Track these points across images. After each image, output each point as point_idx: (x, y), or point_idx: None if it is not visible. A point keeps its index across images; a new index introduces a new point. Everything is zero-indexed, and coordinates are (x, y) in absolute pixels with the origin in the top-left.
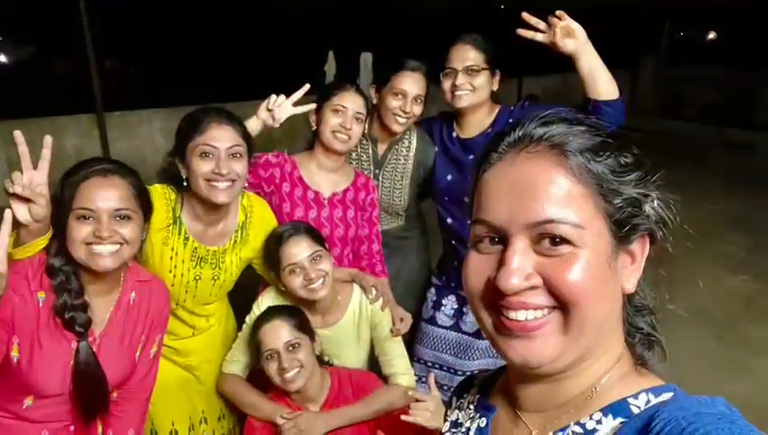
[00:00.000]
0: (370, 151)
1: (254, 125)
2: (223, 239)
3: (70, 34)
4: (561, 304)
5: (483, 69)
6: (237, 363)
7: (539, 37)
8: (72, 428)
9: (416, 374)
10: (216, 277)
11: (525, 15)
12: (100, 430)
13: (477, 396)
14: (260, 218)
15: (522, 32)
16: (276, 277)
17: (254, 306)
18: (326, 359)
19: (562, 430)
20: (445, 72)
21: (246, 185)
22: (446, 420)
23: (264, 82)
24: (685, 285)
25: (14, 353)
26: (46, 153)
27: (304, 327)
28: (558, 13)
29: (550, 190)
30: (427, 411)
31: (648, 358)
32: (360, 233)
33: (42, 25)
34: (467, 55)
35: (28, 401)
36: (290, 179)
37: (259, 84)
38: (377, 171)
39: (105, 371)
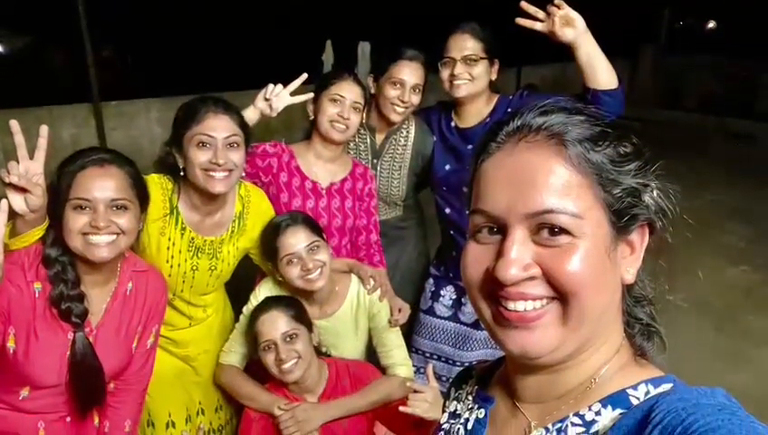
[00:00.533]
0: (368, 141)
1: (251, 115)
2: (220, 229)
3: (66, 24)
4: (560, 295)
5: (481, 58)
6: (235, 354)
7: (538, 26)
8: (68, 419)
9: (414, 365)
10: (213, 268)
11: (524, 4)
12: (96, 421)
13: (476, 387)
14: (257, 208)
15: (520, 21)
16: (274, 268)
17: (252, 297)
18: (324, 350)
19: (561, 421)
20: (443, 61)
21: (243, 175)
22: (444, 412)
23: (261, 72)
24: (684, 276)
25: (10, 344)
26: (43, 143)
27: (302, 318)
28: (557, 2)
29: (549, 180)
30: (425, 402)
31: (647, 349)
32: (358, 223)
33: (38, 15)
34: (466, 45)
35: (24, 392)
36: (287, 169)
37: (257, 74)
38: (375, 161)
39: (102, 361)
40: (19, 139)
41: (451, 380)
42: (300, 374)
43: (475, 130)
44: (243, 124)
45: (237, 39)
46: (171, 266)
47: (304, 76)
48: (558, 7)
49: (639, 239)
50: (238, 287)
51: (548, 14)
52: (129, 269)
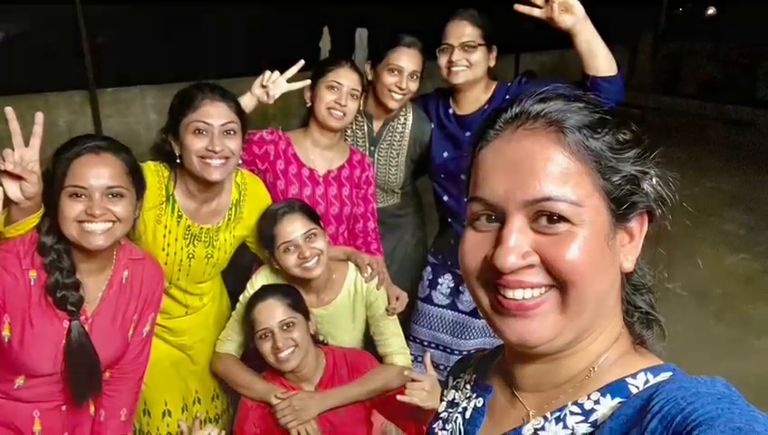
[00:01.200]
0: (366, 128)
1: (248, 102)
2: (216, 217)
3: (61, 9)
4: (559, 283)
5: (479, 45)
6: (231, 343)
7: (536, 13)
8: (63, 408)
9: (412, 354)
10: (209, 255)
11: None
12: (92, 410)
13: (474, 376)
14: (254, 196)
15: (519, 7)
16: (270, 256)
17: (248, 285)
18: (321, 338)
19: (560, 410)
20: (441, 47)
21: (240, 162)
22: (442, 400)
23: (258, 59)
24: (684, 264)
25: (6, 332)
26: (38, 130)
27: (299, 306)
28: None
29: (547, 167)
30: (422, 391)
31: (646, 337)
32: (356, 211)
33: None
34: (464, 31)
35: (19, 381)
36: (284, 157)
37: (254, 60)
38: (372, 148)
39: (97, 350)
40: (14, 126)
41: (449, 368)
42: (297, 363)
43: (473, 117)
44: (239, 111)
45: (234, 25)
46: (167, 254)
47: (301, 63)
48: None
49: (639, 227)
50: (235, 275)
51: (547, 0)
52: (125, 257)
